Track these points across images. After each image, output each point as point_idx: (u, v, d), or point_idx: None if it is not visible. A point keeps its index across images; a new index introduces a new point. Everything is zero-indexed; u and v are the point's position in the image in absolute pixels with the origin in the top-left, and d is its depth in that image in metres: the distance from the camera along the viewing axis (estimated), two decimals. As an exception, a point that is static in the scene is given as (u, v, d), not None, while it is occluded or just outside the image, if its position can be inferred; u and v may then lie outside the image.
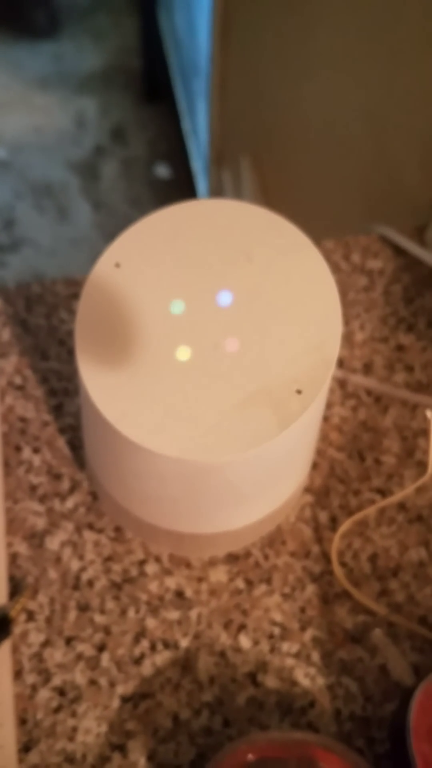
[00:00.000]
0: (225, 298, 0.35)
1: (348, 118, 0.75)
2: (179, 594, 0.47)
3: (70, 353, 0.53)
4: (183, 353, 0.35)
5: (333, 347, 0.35)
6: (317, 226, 0.93)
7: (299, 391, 0.34)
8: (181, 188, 1.73)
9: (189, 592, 0.47)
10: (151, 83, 1.82)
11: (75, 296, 0.55)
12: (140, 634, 0.46)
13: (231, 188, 1.31)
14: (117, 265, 0.37)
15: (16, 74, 1.92)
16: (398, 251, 0.57)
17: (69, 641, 0.46)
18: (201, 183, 1.59)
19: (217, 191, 1.42)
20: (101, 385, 0.36)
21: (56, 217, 1.75)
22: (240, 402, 0.34)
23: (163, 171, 1.80)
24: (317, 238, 0.63)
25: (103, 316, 0.37)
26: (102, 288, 0.38)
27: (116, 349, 0.36)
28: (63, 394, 0.52)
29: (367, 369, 0.54)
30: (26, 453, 0.50)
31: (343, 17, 0.72)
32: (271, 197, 1.12)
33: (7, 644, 0.46)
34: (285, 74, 0.93)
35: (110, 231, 1.74)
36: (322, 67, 0.80)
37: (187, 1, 1.52)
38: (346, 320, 0.55)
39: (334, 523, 0.49)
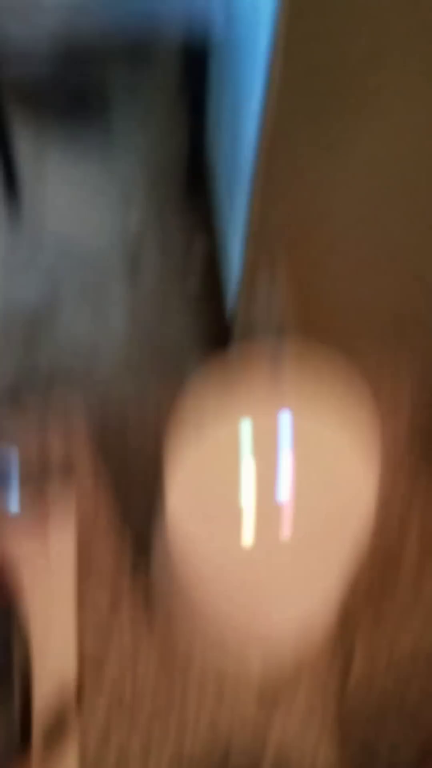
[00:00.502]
0: (286, 490, 0.40)
1: (378, 234, 0.80)
2: (214, 723, 0.48)
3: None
4: (247, 529, 0.40)
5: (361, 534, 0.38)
6: (344, 331, 0.96)
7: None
8: (212, 300, 1.80)
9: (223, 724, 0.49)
10: (193, 185, 1.91)
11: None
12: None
13: (263, 293, 1.36)
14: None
15: (66, 171, 2.03)
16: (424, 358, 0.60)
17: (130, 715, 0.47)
18: (231, 289, 1.66)
19: (247, 308, 1.48)
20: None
21: (94, 315, 1.82)
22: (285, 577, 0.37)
23: (193, 283, 1.87)
24: (338, 343, 0.65)
25: (191, 470, 0.40)
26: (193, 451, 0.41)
27: (198, 501, 0.40)
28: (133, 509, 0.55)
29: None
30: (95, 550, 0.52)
31: (385, 139, 0.77)
32: (304, 293, 1.16)
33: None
34: (320, 192, 0.98)
35: (139, 335, 1.79)
36: (358, 178, 0.85)
37: (238, 106, 1.63)
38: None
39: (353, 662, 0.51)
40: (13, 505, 0.54)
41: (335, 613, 0.50)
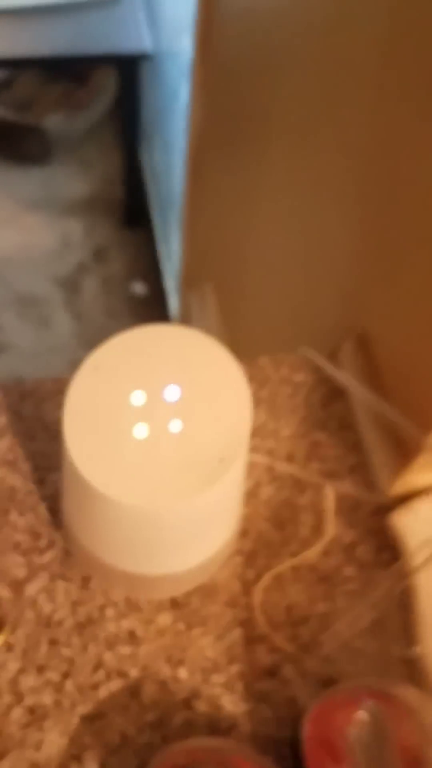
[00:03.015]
0: (170, 393, 0.49)
1: (285, 260, 0.92)
2: (131, 633, 0.58)
3: (54, 437, 0.65)
4: (140, 431, 0.49)
5: (245, 429, 0.49)
6: (261, 343, 1.09)
7: (221, 460, 0.47)
8: (155, 305, 1.91)
9: (139, 632, 0.58)
10: (132, 210, 2.02)
11: (59, 392, 0.68)
12: (98, 665, 0.57)
13: (197, 308, 1.47)
14: (96, 368, 0.51)
15: (8, 196, 2.11)
16: (317, 367, 0.71)
17: (40, 669, 0.57)
18: (172, 301, 1.77)
19: (186, 310, 1.59)
20: (80, 451, 0.49)
21: (38, 326, 1.91)
22: (178, 468, 0.47)
23: (139, 288, 1.98)
24: (258, 353, 0.77)
25: (84, 403, 0.50)
26: (84, 383, 0.51)
27: (92, 427, 0.49)
28: (45, 469, 0.64)
29: (290, 458, 0.67)
30: (13, 515, 0.62)
31: (285, 182, 0.90)
32: (228, 319, 1.28)
33: (-11, 669, 0.56)
34: (241, 215, 1.11)
35: (88, 340, 1.89)
36: (267, 215, 0.97)
37: (164, 143, 1.74)
38: (276, 419, 0.69)
39: (258, 579, 0.61)
40: None
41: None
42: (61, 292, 1.95)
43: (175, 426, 0.48)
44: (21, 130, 2.09)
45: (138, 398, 0.49)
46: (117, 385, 0.49)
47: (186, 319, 1.60)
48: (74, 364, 0.53)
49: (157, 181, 1.88)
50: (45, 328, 1.91)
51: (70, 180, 2.13)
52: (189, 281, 1.56)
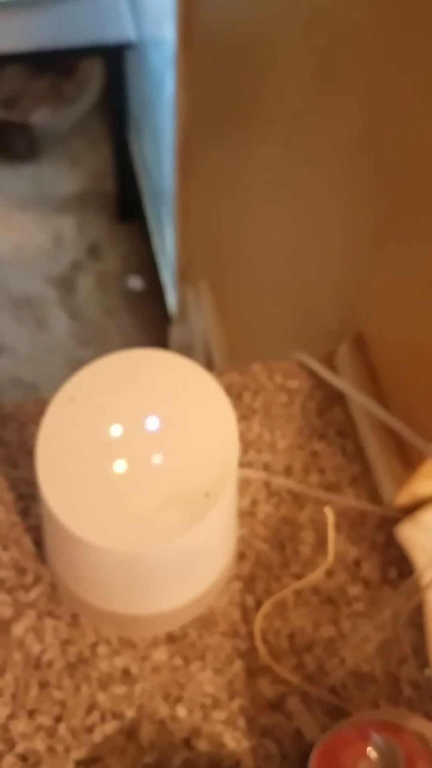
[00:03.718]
0: (151, 424, 0.45)
1: (278, 258, 0.88)
2: (125, 671, 0.55)
3: (36, 463, 0.62)
4: (119, 466, 0.45)
5: (232, 461, 0.45)
6: (255, 345, 1.05)
7: (207, 494, 0.43)
8: (152, 300, 1.87)
9: (134, 670, 0.55)
10: (124, 205, 1.98)
11: (42, 414, 0.65)
12: (92, 707, 0.54)
13: (194, 305, 1.44)
14: (71, 399, 0.47)
15: (-1, 195, 2.07)
16: (312, 373, 0.67)
17: (31, 714, 0.54)
18: (169, 295, 1.73)
19: (183, 304, 1.55)
20: (55, 492, 0.45)
21: (34, 326, 1.87)
22: (161, 505, 0.44)
23: (135, 283, 1.94)
24: (252, 356, 0.74)
25: (59, 437, 0.46)
26: (58, 415, 0.48)
27: (68, 464, 0.46)
28: (30, 498, 0.61)
29: (288, 471, 0.63)
30: (-4, 550, 0.59)
31: (275, 175, 0.85)
32: (224, 316, 1.24)
33: (-24, 717, 0.53)
34: (232, 210, 1.07)
35: (85, 340, 1.86)
36: (259, 210, 0.93)
37: (153, 133, 1.70)
38: (271, 430, 0.65)
39: (259, 605, 0.58)
40: None
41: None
42: (56, 291, 1.91)
43: (157, 460, 0.45)
44: (8, 127, 2.05)
45: (117, 431, 0.45)
46: (94, 417, 0.46)
47: (183, 315, 1.56)
48: (73, 365, 0.49)
49: (149, 173, 1.84)
50: (42, 329, 1.87)
51: (60, 176, 2.08)
52: (184, 276, 1.53)
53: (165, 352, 0.48)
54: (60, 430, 0.46)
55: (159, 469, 0.45)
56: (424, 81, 0.51)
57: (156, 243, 1.84)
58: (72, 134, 2.14)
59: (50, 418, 0.47)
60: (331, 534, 0.61)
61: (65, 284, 1.95)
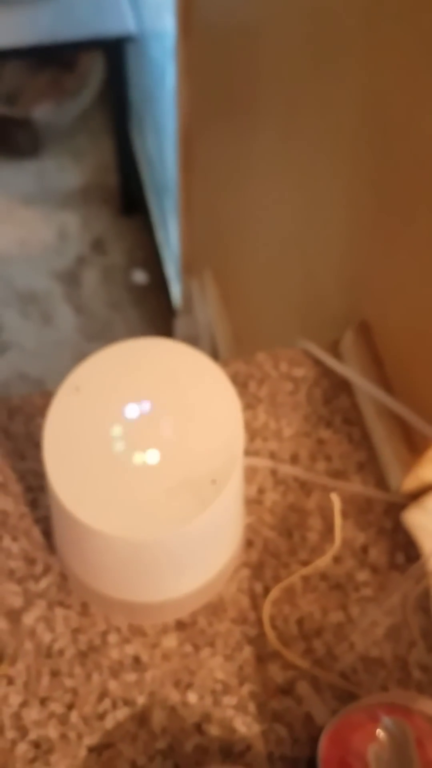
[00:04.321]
0: (156, 413, 0.46)
1: (281, 246, 0.88)
2: (136, 659, 0.56)
3: (44, 455, 0.63)
4: (125, 455, 0.45)
5: (237, 447, 0.45)
6: (260, 335, 1.05)
7: (214, 481, 0.44)
8: (157, 293, 1.87)
9: (144, 657, 0.56)
10: (127, 198, 1.98)
11: (48, 406, 0.65)
12: (103, 694, 0.55)
13: (198, 296, 1.44)
14: (77, 389, 0.48)
15: (1, 191, 2.08)
16: (318, 361, 0.68)
17: (43, 701, 0.54)
18: (174, 288, 1.73)
19: (187, 296, 1.55)
20: (63, 481, 0.45)
21: (40, 322, 1.88)
22: (168, 493, 0.44)
23: (140, 277, 1.94)
24: (257, 345, 0.74)
25: (65, 427, 0.47)
26: (64, 405, 0.48)
27: (75, 454, 0.46)
28: (38, 489, 0.61)
29: (294, 459, 0.64)
30: (6, 541, 0.59)
31: (276, 162, 0.85)
32: (229, 307, 1.24)
33: (-11, 705, 0.54)
34: (235, 200, 1.07)
35: (91, 334, 1.86)
36: (261, 199, 0.93)
37: (155, 126, 1.69)
38: (277, 418, 0.66)
39: (267, 592, 0.58)
40: None
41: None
42: (61, 286, 1.92)
43: (163, 448, 0.45)
44: (10, 123, 2.05)
45: (123, 420, 0.46)
46: (100, 406, 0.46)
47: (188, 307, 1.56)
48: (79, 359, 0.49)
49: (151, 166, 1.84)
50: (48, 324, 1.88)
51: (63, 171, 2.09)
52: (189, 268, 1.53)
53: (169, 341, 0.48)
54: (66, 419, 0.46)
55: (165, 457, 0.45)
56: (421, 63, 0.51)
57: (160, 236, 1.84)
58: (74, 128, 2.13)
59: (56, 408, 0.47)
60: (338, 520, 0.61)
61: (70, 279, 1.95)
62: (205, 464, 0.44)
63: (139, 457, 0.45)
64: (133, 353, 0.48)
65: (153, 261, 1.92)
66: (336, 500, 0.61)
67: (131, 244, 1.99)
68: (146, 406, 0.46)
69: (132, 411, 0.46)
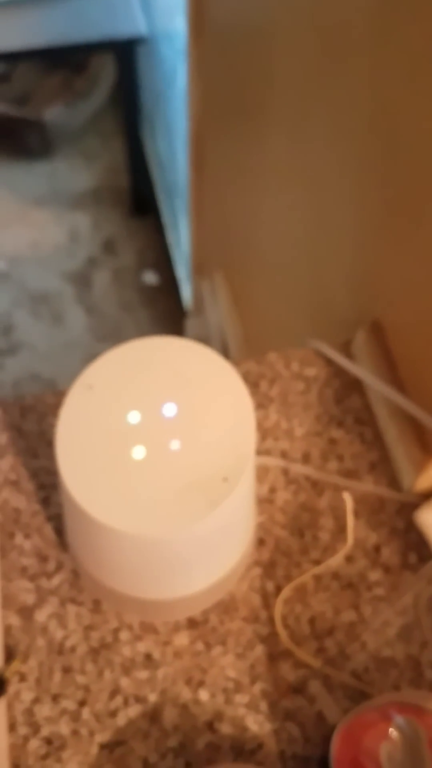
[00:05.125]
0: (169, 411, 0.46)
1: (291, 247, 0.88)
2: (148, 656, 0.56)
3: (56, 453, 0.63)
4: (138, 453, 0.46)
5: (249, 445, 0.45)
6: (271, 335, 1.05)
7: (225, 479, 0.44)
8: (168, 294, 1.88)
9: (156, 655, 0.56)
10: (138, 199, 1.98)
11: (61, 405, 0.65)
12: (115, 691, 0.55)
13: (209, 297, 1.44)
14: (89, 387, 0.48)
15: (12, 193, 2.09)
16: (329, 361, 0.68)
17: (55, 698, 0.55)
18: (185, 289, 1.73)
19: (198, 297, 1.56)
20: (76, 479, 0.46)
21: (51, 322, 1.89)
22: (180, 490, 0.44)
23: (150, 278, 1.95)
24: (269, 346, 0.74)
25: (78, 424, 0.47)
26: (77, 403, 0.48)
27: (88, 451, 0.46)
28: (50, 487, 0.62)
29: (306, 458, 0.64)
30: (18, 539, 0.59)
31: (286, 163, 0.85)
32: (240, 307, 1.24)
33: (2, 702, 0.54)
34: (245, 201, 1.07)
35: (102, 334, 1.87)
36: (271, 200, 0.93)
37: (166, 127, 1.70)
38: (288, 418, 0.66)
39: (279, 591, 0.58)
40: None
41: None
42: (72, 287, 1.92)
43: (176, 445, 0.45)
44: (21, 124, 2.06)
45: (135, 417, 0.46)
46: (112, 404, 0.46)
47: (198, 308, 1.57)
48: (90, 359, 0.49)
49: (162, 167, 1.84)
50: (59, 325, 1.88)
51: (74, 172, 2.09)
52: (199, 269, 1.53)
53: (182, 340, 0.48)
54: (79, 417, 0.47)
55: (177, 454, 0.45)
56: (430, 66, 0.51)
57: (170, 237, 1.84)
58: (85, 130, 2.14)
59: (69, 406, 0.47)
60: (350, 520, 0.61)
61: (81, 280, 1.96)
62: (217, 462, 0.44)
63: (151, 455, 0.45)
64: (145, 352, 0.48)
65: (164, 262, 1.92)
66: (348, 500, 0.61)
67: (142, 245, 2.00)
68: (159, 404, 0.46)
69: (144, 409, 0.46)
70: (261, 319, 1.10)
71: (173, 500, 0.44)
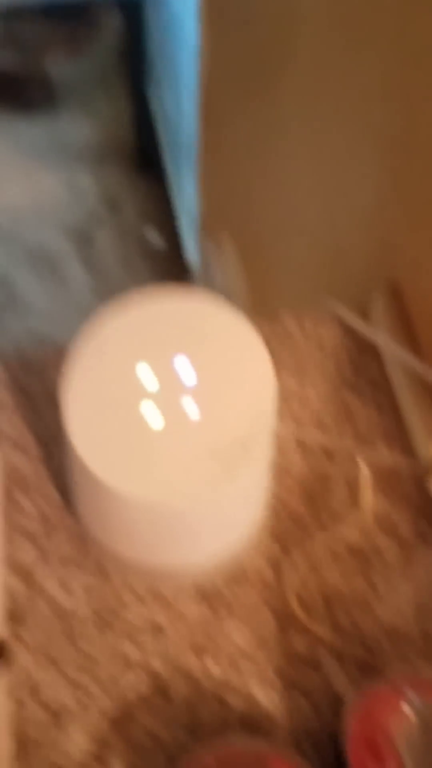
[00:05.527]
0: (183, 369, 0.43)
1: (307, 205, 0.85)
2: (154, 623, 0.54)
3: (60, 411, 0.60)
4: (152, 415, 0.43)
5: (269, 409, 0.43)
6: (282, 296, 1.02)
7: (245, 446, 0.42)
8: (173, 254, 1.84)
9: (163, 622, 0.54)
10: (143, 156, 1.93)
11: (63, 361, 0.63)
12: (119, 659, 0.53)
13: (216, 256, 1.41)
14: (98, 340, 0.45)
15: (14, 147, 2.03)
16: (344, 323, 0.65)
17: (58, 666, 0.53)
18: (190, 249, 1.70)
19: (204, 259, 1.52)
20: (85, 441, 0.43)
21: (52, 280, 1.85)
22: (196, 456, 0.42)
23: (154, 237, 1.91)
24: (280, 307, 0.71)
25: (87, 384, 0.44)
26: (84, 359, 0.46)
27: (97, 412, 0.44)
28: (53, 446, 0.59)
29: (320, 425, 0.61)
30: (20, 499, 0.57)
31: (303, 118, 0.82)
32: (247, 270, 1.21)
33: (4, 668, 0.52)
34: (257, 159, 1.03)
35: (105, 294, 1.83)
36: (286, 156, 0.90)
37: (174, 83, 1.65)
38: (302, 383, 0.63)
39: (290, 560, 0.56)
40: None
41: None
42: (74, 244, 1.88)
43: (191, 408, 0.43)
44: (24, 77, 2.00)
45: (148, 377, 0.43)
46: (122, 361, 0.44)
47: (204, 269, 1.53)
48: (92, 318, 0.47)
49: (169, 124, 1.79)
50: (60, 284, 1.85)
51: (77, 127, 2.04)
52: (206, 228, 1.49)
53: (200, 293, 0.46)
54: (87, 375, 0.44)
55: (193, 418, 0.43)
56: None
57: (175, 195, 1.80)
58: (90, 84, 2.09)
59: (75, 363, 0.45)
60: (363, 489, 0.59)
61: (83, 237, 1.92)
62: (235, 427, 0.42)
63: (165, 417, 0.43)
64: (158, 303, 0.45)
65: (168, 221, 1.88)
66: (362, 468, 0.59)
67: (146, 202, 1.96)
68: (172, 362, 0.44)
69: (158, 366, 0.44)
70: (271, 279, 1.07)
71: (189, 467, 0.42)
